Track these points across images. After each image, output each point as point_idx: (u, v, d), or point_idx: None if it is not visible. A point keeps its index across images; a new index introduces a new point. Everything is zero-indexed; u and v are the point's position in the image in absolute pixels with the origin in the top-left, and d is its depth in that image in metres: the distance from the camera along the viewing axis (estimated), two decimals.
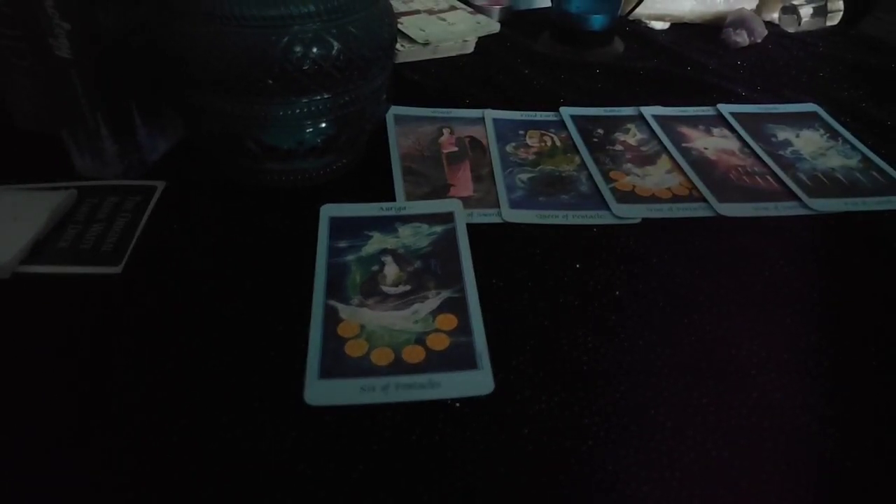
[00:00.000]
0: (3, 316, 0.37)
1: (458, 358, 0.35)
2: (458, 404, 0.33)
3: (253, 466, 0.30)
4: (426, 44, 0.69)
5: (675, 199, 0.49)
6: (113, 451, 0.31)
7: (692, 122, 0.59)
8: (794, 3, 0.80)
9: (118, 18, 0.44)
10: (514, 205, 0.48)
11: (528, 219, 0.47)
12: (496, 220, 0.46)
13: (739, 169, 0.53)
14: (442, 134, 0.56)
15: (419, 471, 0.31)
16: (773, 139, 0.57)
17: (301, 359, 0.35)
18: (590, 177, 0.51)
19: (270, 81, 0.41)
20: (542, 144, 0.55)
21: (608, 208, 0.48)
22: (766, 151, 0.55)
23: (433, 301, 0.39)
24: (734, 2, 0.78)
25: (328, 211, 0.45)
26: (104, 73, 0.44)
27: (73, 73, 0.43)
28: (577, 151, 0.54)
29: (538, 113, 0.60)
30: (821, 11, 0.80)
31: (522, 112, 0.60)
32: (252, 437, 0.32)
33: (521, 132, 0.57)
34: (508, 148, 0.55)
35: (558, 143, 0.56)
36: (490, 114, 0.59)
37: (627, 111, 0.60)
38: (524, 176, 0.51)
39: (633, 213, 0.47)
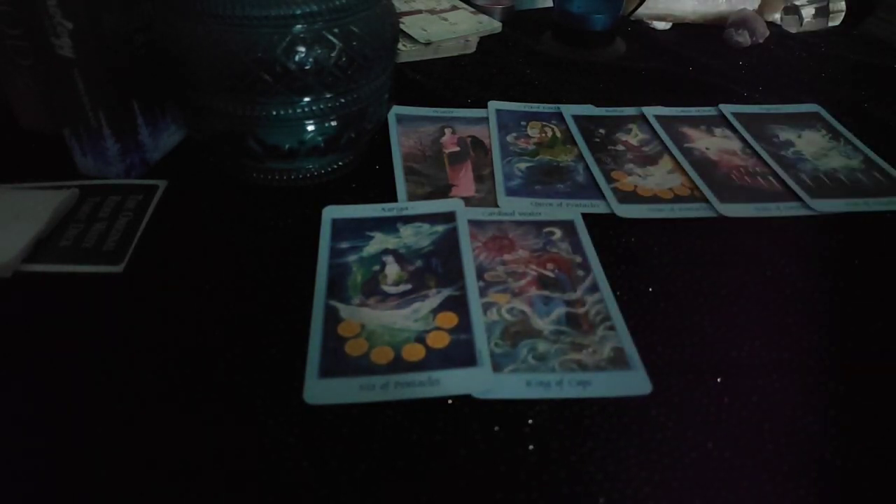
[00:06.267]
0: (5, 315, 0.38)
1: (458, 355, 0.35)
2: (458, 402, 0.33)
3: (254, 465, 0.30)
4: (428, 43, 0.69)
5: (677, 199, 0.49)
6: (113, 449, 0.31)
7: (694, 122, 0.59)
8: (797, 3, 0.80)
9: (121, 18, 0.44)
10: (511, 192, 0.49)
11: (522, 206, 0.47)
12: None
13: (741, 169, 0.53)
14: (444, 134, 0.56)
15: (420, 469, 0.31)
16: (775, 139, 0.57)
17: (302, 358, 0.35)
18: (587, 167, 0.52)
19: (272, 81, 0.41)
20: (543, 135, 0.56)
21: (603, 198, 0.48)
22: (767, 152, 0.55)
23: (434, 299, 0.39)
24: (736, 2, 0.78)
25: (330, 212, 0.45)
26: (106, 72, 0.44)
27: (76, 72, 0.43)
28: (577, 143, 0.55)
29: (542, 105, 0.60)
30: (823, 12, 0.80)
31: (526, 104, 0.60)
32: (253, 435, 0.32)
33: (524, 123, 0.58)
34: (509, 138, 0.55)
35: (559, 135, 0.56)
36: (494, 104, 0.59)
37: (629, 111, 0.60)
38: (522, 165, 0.52)
39: (635, 213, 0.47)
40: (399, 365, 0.35)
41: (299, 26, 0.40)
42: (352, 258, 0.42)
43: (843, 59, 0.74)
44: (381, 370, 0.35)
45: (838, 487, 0.31)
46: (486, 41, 0.73)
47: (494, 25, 0.75)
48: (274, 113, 0.43)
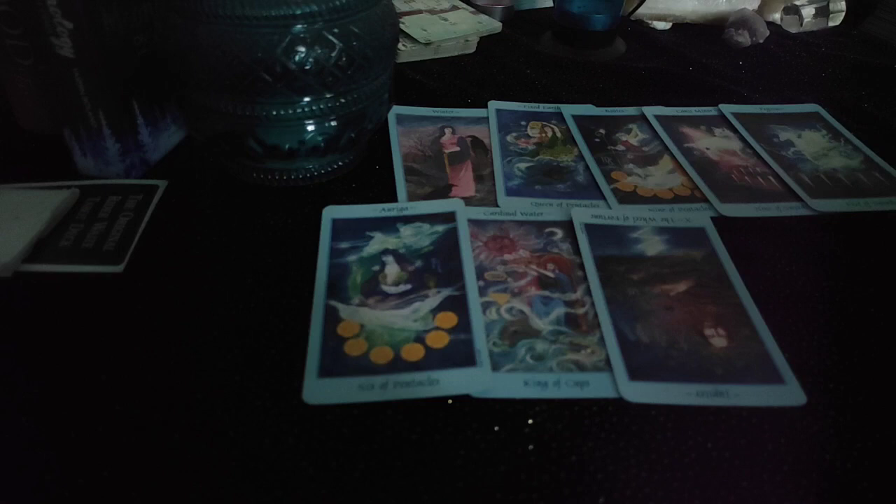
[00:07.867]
0: (5, 315, 0.38)
1: (457, 355, 0.35)
2: (458, 402, 0.33)
3: (254, 465, 0.30)
4: (428, 43, 0.69)
5: (677, 199, 0.49)
6: (113, 450, 0.31)
7: (694, 122, 0.59)
8: (797, 3, 0.80)
9: (121, 18, 0.44)
10: (511, 192, 0.49)
11: (523, 206, 0.47)
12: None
13: (741, 169, 0.53)
14: (444, 134, 0.56)
15: (420, 469, 0.31)
16: (775, 139, 0.57)
17: (302, 358, 0.35)
18: (587, 167, 0.52)
19: (272, 81, 0.41)
20: (543, 135, 0.56)
21: (603, 198, 0.49)
22: (767, 152, 0.55)
23: (433, 299, 0.39)
24: (736, 2, 0.78)
25: (330, 212, 0.45)
26: (106, 72, 0.44)
27: (76, 72, 0.43)
28: (577, 143, 0.55)
29: (542, 105, 0.60)
30: (823, 12, 0.80)
31: (526, 104, 0.60)
32: (253, 435, 0.32)
33: (524, 123, 0.58)
34: (509, 138, 0.55)
35: (559, 135, 0.56)
36: (494, 104, 0.59)
37: (629, 111, 0.60)
38: (522, 165, 0.52)
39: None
40: (398, 365, 0.35)
41: (299, 26, 0.40)
42: (352, 258, 0.42)
43: (844, 58, 0.74)
44: (381, 370, 0.35)
45: (838, 487, 0.31)
46: (486, 41, 0.73)
47: (494, 25, 0.75)
48: (274, 113, 0.43)
